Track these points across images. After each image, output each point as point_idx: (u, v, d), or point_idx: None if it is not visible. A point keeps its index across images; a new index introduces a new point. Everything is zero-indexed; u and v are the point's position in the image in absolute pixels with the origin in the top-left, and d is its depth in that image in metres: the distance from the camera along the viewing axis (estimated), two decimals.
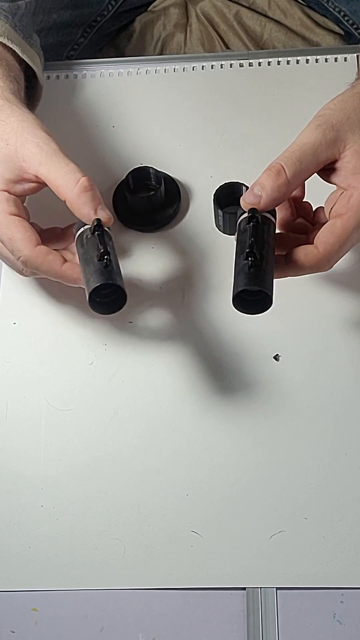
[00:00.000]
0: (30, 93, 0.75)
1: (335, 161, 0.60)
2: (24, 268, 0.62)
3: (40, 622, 0.60)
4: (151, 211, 0.73)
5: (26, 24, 0.75)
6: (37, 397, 0.67)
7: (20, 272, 0.64)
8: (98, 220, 0.60)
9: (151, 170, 0.73)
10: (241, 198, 0.60)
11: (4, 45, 0.69)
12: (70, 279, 0.61)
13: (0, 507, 0.63)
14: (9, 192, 0.62)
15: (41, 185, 0.62)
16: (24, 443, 0.65)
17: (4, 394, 0.67)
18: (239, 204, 0.71)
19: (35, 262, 0.61)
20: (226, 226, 0.72)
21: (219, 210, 0.71)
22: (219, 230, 0.73)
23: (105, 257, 0.57)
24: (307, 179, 0.61)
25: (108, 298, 0.59)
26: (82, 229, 0.61)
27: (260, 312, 0.58)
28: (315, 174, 0.61)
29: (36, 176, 0.61)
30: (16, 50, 0.70)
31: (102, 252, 0.58)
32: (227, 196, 0.72)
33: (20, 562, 0.61)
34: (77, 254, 0.61)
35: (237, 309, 0.58)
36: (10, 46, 0.69)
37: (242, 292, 0.56)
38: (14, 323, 0.70)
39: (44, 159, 0.60)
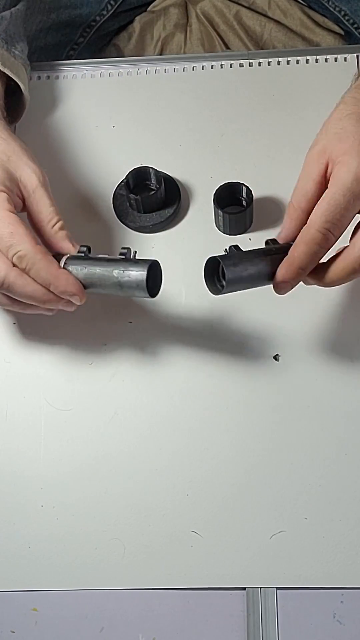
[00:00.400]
0: (13, 103, 0.75)
1: (327, 166, 0.61)
2: (5, 269, 0.60)
3: (40, 622, 0.60)
4: (151, 211, 0.73)
5: (12, 33, 0.75)
6: (37, 397, 0.67)
7: None
8: (87, 246, 0.63)
9: (151, 170, 0.73)
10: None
11: None
12: (62, 284, 0.60)
13: (0, 507, 0.63)
14: (9, 196, 0.62)
15: (18, 210, 0.64)
16: (24, 443, 0.65)
17: (4, 393, 0.67)
18: (238, 204, 0.71)
19: (33, 257, 0.60)
20: (226, 226, 0.72)
21: (219, 210, 0.71)
22: (219, 230, 0.73)
23: (125, 252, 0.61)
24: (314, 199, 0.61)
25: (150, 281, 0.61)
26: (69, 258, 0.62)
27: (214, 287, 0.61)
28: None
29: (23, 201, 0.64)
30: None
31: (121, 253, 0.61)
32: (227, 196, 0.72)
33: (20, 562, 0.61)
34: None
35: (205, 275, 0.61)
36: None
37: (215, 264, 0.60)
38: (14, 323, 0.70)
39: (38, 188, 0.64)
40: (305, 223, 0.61)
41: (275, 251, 0.61)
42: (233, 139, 0.75)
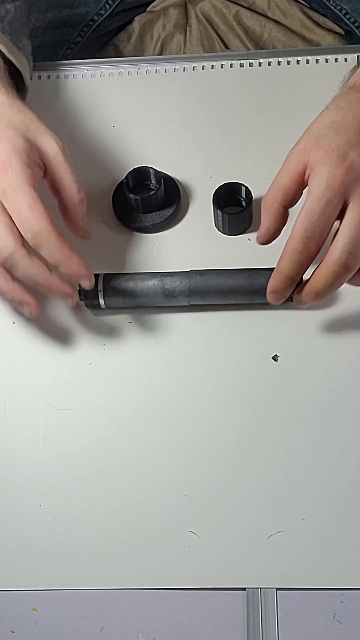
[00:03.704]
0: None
1: (305, 167, 0.62)
2: (13, 246, 0.60)
3: (40, 622, 0.60)
4: (151, 211, 0.73)
5: (17, 29, 0.75)
6: (36, 397, 0.67)
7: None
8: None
9: (151, 170, 0.73)
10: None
11: None
12: (73, 264, 0.62)
13: None
14: (32, 170, 0.63)
15: (40, 179, 0.64)
16: (23, 442, 0.65)
17: (3, 393, 0.67)
18: (238, 204, 0.71)
19: (49, 236, 0.60)
20: (225, 226, 0.72)
21: (218, 211, 0.71)
22: (219, 230, 0.73)
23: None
24: (289, 195, 0.63)
25: None
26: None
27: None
28: None
29: (44, 168, 0.64)
30: (1, 50, 0.70)
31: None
32: (227, 196, 0.72)
33: (18, 561, 0.61)
34: None
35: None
36: None
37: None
38: (13, 322, 0.70)
39: (59, 155, 0.64)
40: (282, 215, 0.64)
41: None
42: (233, 139, 0.75)
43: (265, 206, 0.65)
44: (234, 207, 0.72)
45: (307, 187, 0.62)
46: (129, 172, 0.72)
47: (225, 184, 0.72)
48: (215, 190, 0.71)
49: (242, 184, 0.71)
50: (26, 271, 0.61)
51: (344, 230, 0.60)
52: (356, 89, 0.65)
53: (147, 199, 0.72)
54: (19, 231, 0.60)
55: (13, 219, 0.60)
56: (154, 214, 0.73)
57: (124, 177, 0.73)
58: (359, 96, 0.64)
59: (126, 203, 0.74)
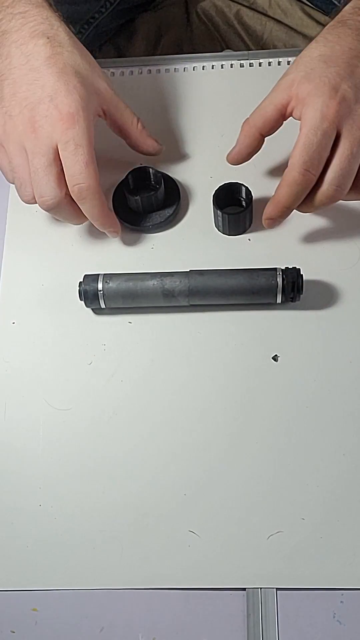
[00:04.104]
0: None
1: (291, 99, 0.65)
2: (58, 196, 0.65)
3: (40, 622, 0.60)
4: (151, 211, 0.73)
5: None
6: (36, 397, 0.67)
7: (44, 199, 0.65)
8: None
9: (151, 170, 0.73)
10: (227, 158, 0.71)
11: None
12: (107, 222, 0.69)
13: None
14: (92, 119, 0.67)
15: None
16: (23, 443, 0.65)
17: (3, 393, 0.68)
18: (238, 204, 0.71)
19: (94, 194, 0.65)
20: (225, 226, 0.72)
21: (218, 211, 0.71)
22: (219, 230, 0.73)
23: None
24: (269, 123, 0.68)
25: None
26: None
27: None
28: None
29: (103, 110, 0.69)
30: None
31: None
32: (226, 196, 0.72)
33: (17, 561, 0.62)
34: None
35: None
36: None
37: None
38: (13, 323, 0.70)
39: (113, 96, 0.69)
40: (258, 140, 0.69)
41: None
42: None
43: (243, 129, 0.69)
44: (234, 207, 0.72)
45: (288, 119, 0.66)
46: (129, 172, 0.72)
47: (225, 184, 0.72)
48: (215, 191, 0.71)
49: (242, 184, 0.71)
50: (66, 217, 0.68)
51: (334, 164, 0.62)
52: (344, 23, 0.66)
53: (147, 199, 0.72)
54: (65, 182, 0.65)
55: (65, 170, 0.64)
56: (154, 214, 0.73)
57: (123, 177, 0.73)
58: (346, 29, 0.65)
59: (126, 203, 0.74)
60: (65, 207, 0.67)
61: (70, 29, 0.68)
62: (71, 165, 0.64)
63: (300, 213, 0.68)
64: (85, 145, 0.64)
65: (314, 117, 0.62)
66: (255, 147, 0.69)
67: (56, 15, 0.68)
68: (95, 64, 0.68)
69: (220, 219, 0.71)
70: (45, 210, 0.67)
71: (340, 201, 0.66)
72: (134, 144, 0.72)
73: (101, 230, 0.70)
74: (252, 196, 0.71)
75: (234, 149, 0.70)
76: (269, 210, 0.68)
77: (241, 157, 0.70)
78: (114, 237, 0.71)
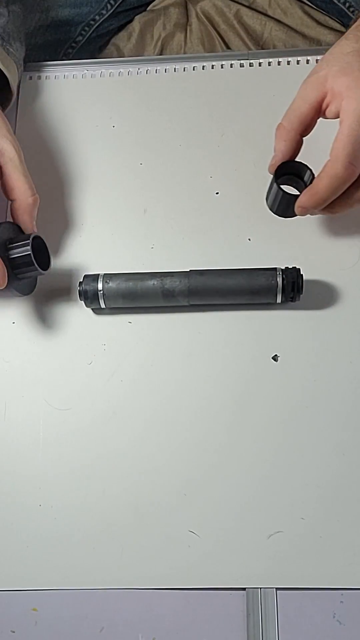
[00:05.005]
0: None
1: (325, 95, 0.63)
2: None
3: (40, 622, 0.60)
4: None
5: (10, 33, 0.76)
6: (36, 397, 0.67)
7: None
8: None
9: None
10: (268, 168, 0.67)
11: None
12: None
13: None
14: None
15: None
16: (23, 442, 0.65)
17: (3, 393, 0.68)
18: (295, 186, 0.69)
19: None
20: (277, 204, 0.68)
21: (275, 186, 0.67)
22: (268, 206, 0.70)
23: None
24: (307, 122, 0.65)
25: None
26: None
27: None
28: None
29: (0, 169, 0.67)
30: None
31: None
32: (286, 174, 0.68)
33: (17, 561, 0.62)
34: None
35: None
36: None
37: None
38: (13, 322, 0.70)
39: (16, 159, 0.67)
40: (298, 143, 0.66)
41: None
42: (233, 139, 0.75)
43: (281, 134, 0.65)
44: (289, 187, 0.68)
45: (324, 115, 0.64)
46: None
47: (290, 161, 0.67)
48: (279, 165, 0.67)
49: (308, 167, 0.67)
50: None
51: None
52: None
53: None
54: None
55: None
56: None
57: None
58: None
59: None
60: None
61: None
62: None
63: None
64: None
65: (356, 110, 0.60)
66: (296, 150, 0.66)
67: None
68: (2, 125, 0.68)
69: (274, 196, 0.68)
70: None
71: None
72: (14, 211, 0.68)
73: None
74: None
75: (277, 158, 0.66)
76: (304, 200, 0.65)
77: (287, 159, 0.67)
78: None
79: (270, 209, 0.69)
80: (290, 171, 0.67)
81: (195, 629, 0.59)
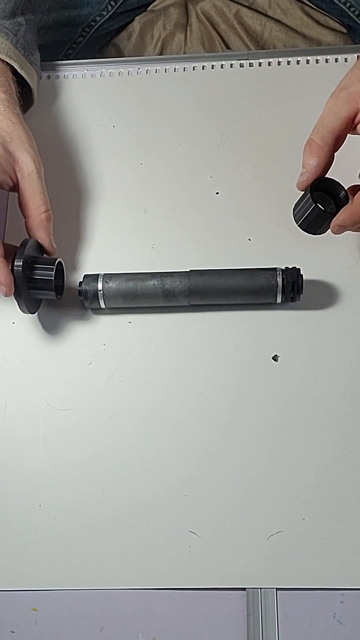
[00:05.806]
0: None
1: (357, 111, 0.63)
2: None
3: (40, 622, 0.60)
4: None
5: (29, 41, 0.77)
6: (36, 397, 0.67)
7: None
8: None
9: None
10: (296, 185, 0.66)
11: (3, 61, 0.72)
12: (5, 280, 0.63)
13: None
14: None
15: (5, 192, 0.68)
16: (23, 442, 0.65)
17: (3, 393, 0.67)
18: (325, 204, 0.66)
19: None
20: (308, 220, 0.66)
21: (311, 200, 0.64)
22: (295, 220, 0.67)
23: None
24: (339, 138, 0.64)
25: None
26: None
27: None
28: None
29: (16, 183, 0.67)
30: (15, 67, 0.73)
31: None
32: (320, 190, 0.66)
33: (18, 561, 0.62)
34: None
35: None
36: (9, 62, 0.72)
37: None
38: (13, 322, 0.70)
39: (34, 175, 0.67)
40: (331, 159, 0.64)
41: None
42: (233, 139, 0.75)
43: (313, 150, 0.64)
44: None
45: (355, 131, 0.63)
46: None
47: (327, 178, 0.65)
48: (315, 181, 0.65)
49: (343, 187, 0.65)
50: None
51: None
52: None
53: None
54: None
55: None
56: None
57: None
58: None
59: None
60: None
61: (15, 104, 0.70)
62: None
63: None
64: None
65: None
66: (329, 165, 0.64)
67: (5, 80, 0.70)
68: (26, 139, 0.68)
69: (308, 212, 0.65)
70: None
71: None
72: (29, 228, 0.68)
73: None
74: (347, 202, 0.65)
75: (310, 174, 0.64)
76: (342, 218, 0.63)
77: (320, 176, 0.65)
78: (1, 292, 0.64)
79: (300, 225, 0.66)
80: (324, 188, 0.66)
81: (195, 629, 0.59)
